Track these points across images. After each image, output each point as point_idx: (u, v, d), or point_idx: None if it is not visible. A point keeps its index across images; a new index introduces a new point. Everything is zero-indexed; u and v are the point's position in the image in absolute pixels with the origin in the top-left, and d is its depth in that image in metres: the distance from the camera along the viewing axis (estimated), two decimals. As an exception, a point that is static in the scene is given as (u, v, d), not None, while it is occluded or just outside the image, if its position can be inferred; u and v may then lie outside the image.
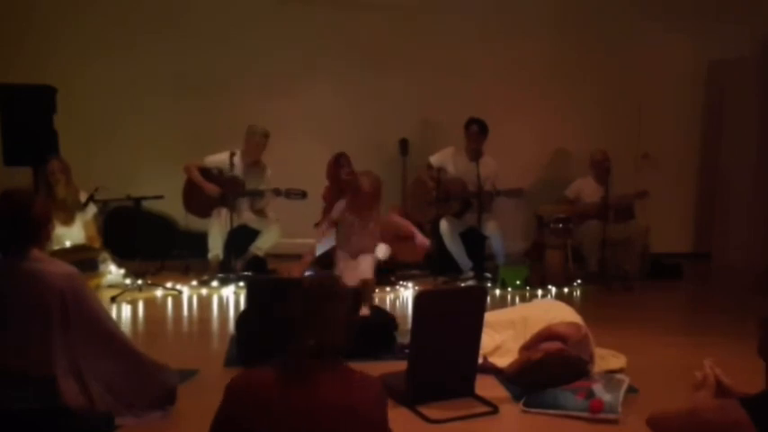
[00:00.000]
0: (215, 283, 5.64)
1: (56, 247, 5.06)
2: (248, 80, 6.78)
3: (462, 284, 5.67)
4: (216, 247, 5.86)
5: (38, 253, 2.69)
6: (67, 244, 5.32)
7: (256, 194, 5.92)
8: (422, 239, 4.89)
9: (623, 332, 4.39)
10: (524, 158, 7.02)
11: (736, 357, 2.58)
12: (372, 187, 4.50)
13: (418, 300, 3.21)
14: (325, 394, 1.78)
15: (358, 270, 4.45)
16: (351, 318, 1.93)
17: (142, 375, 2.88)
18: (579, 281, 5.95)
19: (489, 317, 3.59)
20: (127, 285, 5.42)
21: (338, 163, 6.11)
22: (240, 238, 5.87)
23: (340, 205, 4.73)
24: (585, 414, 3.02)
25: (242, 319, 3.89)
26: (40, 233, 2.71)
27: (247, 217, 5.99)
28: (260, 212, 6.02)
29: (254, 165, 5.98)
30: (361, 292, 4.15)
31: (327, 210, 6.10)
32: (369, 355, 3.70)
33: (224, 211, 5.80)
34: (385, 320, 4.17)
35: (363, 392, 1.85)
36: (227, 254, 5.82)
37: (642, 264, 6.19)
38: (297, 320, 1.86)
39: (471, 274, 5.98)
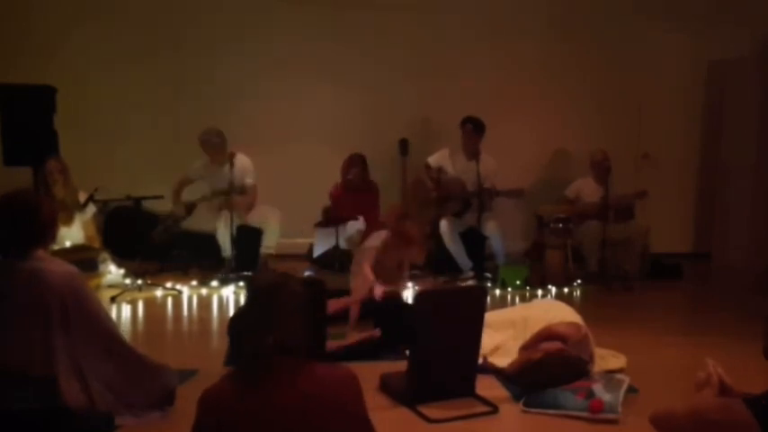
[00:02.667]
0: (215, 283, 5.64)
1: (55, 247, 5.05)
2: (248, 81, 6.77)
3: (462, 284, 5.67)
4: (228, 247, 5.85)
5: (41, 253, 2.70)
6: (67, 244, 5.32)
7: (222, 194, 5.80)
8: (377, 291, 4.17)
9: (623, 332, 4.38)
10: (524, 158, 7.01)
11: (736, 357, 2.58)
12: (420, 237, 4.36)
13: (418, 300, 3.21)
14: (301, 389, 1.76)
15: None
16: (308, 314, 1.88)
17: (142, 376, 2.88)
18: (579, 281, 5.94)
19: (489, 317, 3.59)
20: (127, 285, 5.42)
21: (349, 162, 6.19)
22: (241, 238, 5.86)
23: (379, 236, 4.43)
24: (585, 414, 3.02)
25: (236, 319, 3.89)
26: (46, 235, 2.73)
27: (248, 218, 5.99)
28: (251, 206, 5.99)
29: (222, 165, 5.83)
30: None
31: (333, 208, 6.11)
32: (369, 355, 3.72)
33: (224, 213, 5.80)
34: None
35: (339, 384, 1.82)
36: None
37: (642, 264, 6.18)
38: (251, 320, 1.83)
39: (471, 274, 5.98)
